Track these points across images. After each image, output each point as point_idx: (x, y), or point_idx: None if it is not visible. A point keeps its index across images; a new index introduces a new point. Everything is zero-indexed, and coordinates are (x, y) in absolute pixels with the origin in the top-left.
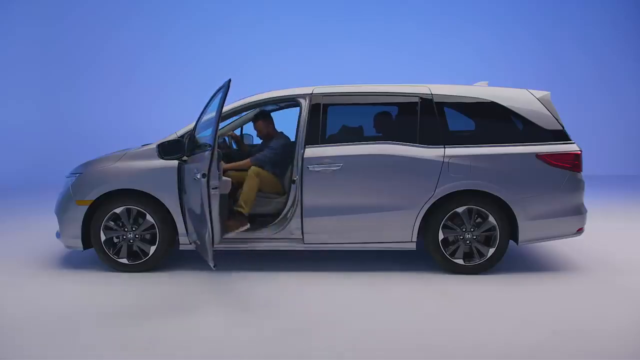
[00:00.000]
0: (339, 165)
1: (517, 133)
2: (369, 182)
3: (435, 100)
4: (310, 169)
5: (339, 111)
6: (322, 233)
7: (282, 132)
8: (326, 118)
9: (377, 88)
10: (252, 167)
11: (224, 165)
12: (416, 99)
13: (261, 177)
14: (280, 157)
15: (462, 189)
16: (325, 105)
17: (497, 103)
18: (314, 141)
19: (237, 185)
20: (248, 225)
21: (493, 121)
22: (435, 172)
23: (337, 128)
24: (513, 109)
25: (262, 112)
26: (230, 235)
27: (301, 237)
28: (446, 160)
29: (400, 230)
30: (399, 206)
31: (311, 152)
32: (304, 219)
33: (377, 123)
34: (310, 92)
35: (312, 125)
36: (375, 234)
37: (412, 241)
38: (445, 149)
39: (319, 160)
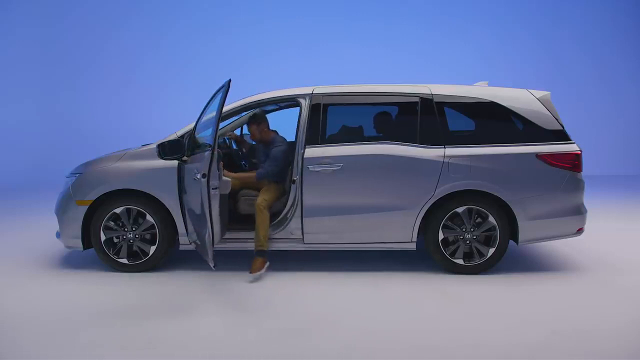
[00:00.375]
0: (339, 166)
1: (517, 133)
2: (369, 182)
3: (435, 100)
4: (310, 169)
5: (340, 111)
6: (322, 233)
7: (276, 133)
8: (326, 118)
9: (378, 88)
10: (259, 202)
11: (229, 174)
12: (416, 99)
13: (269, 203)
14: (282, 165)
15: (462, 189)
16: (326, 105)
17: (497, 103)
18: (314, 141)
19: (236, 189)
20: (268, 263)
21: (493, 121)
22: (435, 172)
23: (338, 128)
24: (513, 109)
25: (254, 117)
26: (256, 275)
27: (301, 237)
28: (446, 160)
29: (401, 231)
30: (400, 206)
31: (311, 152)
32: (304, 219)
33: (377, 123)
34: (311, 92)
35: (312, 125)
36: (376, 234)
37: (412, 241)
38: (446, 149)
39: (319, 161)
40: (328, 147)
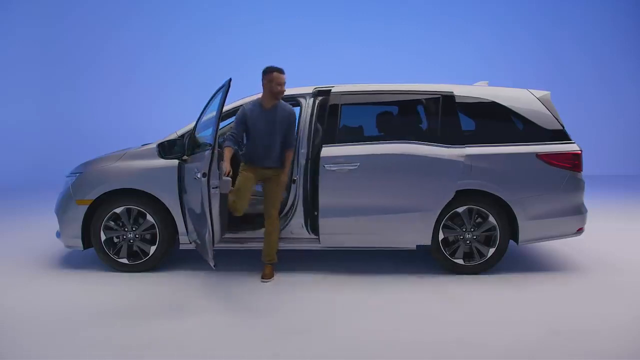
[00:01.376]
0: (355, 165)
1: (517, 133)
2: (388, 182)
3: (456, 100)
4: (326, 168)
5: (357, 110)
6: (338, 234)
7: None
8: (342, 117)
9: (395, 87)
10: (274, 214)
11: (284, 177)
12: (437, 98)
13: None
14: None
15: (461, 188)
16: (343, 105)
17: (498, 103)
18: (330, 140)
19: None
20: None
21: (493, 121)
22: (456, 171)
23: (354, 127)
24: (513, 109)
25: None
26: (268, 282)
27: (302, 236)
28: (467, 160)
29: (421, 232)
30: (420, 207)
31: (328, 151)
32: (319, 219)
33: (392, 122)
34: (310, 91)
35: (330, 124)
36: (395, 236)
37: (429, 243)
38: (466, 148)
39: (334, 160)
40: (344, 147)
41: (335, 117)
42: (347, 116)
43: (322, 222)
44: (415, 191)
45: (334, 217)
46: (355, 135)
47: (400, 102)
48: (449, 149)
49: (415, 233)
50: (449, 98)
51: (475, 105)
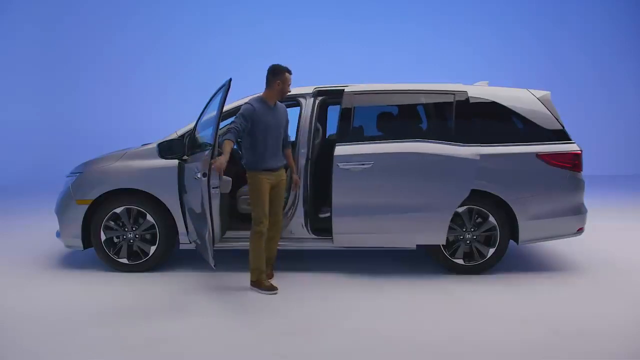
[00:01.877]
0: (369, 164)
1: (517, 133)
2: (402, 181)
3: (471, 100)
4: (340, 166)
5: (369, 110)
6: (351, 233)
7: None
8: (356, 116)
9: (408, 87)
10: (278, 219)
11: (296, 178)
12: (450, 98)
13: None
14: None
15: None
16: (356, 104)
17: (497, 103)
18: (343, 139)
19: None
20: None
21: (493, 121)
22: (470, 170)
23: (366, 126)
24: (513, 109)
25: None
26: (267, 291)
27: (303, 236)
28: (482, 159)
29: (436, 231)
30: (436, 206)
31: (342, 149)
32: (333, 218)
33: (407, 121)
34: (310, 91)
35: (342, 123)
36: (410, 236)
37: (444, 243)
38: (482, 147)
39: (348, 159)
40: (358, 145)
41: (349, 116)
42: (361, 115)
43: (336, 221)
44: (431, 190)
45: (348, 216)
46: (370, 134)
47: (414, 102)
48: (465, 147)
49: (430, 232)
50: (463, 97)
51: (475, 105)
